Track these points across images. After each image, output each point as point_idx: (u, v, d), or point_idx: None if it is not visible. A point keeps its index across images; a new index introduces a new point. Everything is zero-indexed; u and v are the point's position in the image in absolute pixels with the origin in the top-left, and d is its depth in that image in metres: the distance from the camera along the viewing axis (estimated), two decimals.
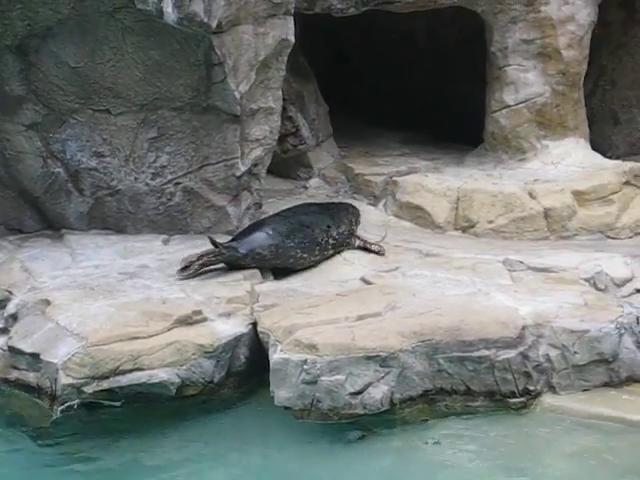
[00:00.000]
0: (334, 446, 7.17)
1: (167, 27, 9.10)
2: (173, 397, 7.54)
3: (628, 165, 10.86)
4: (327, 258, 9.35)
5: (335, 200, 10.92)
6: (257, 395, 7.75)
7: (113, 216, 10.00)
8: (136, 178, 9.84)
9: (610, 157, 11.60)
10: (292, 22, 9.71)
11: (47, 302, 8.18)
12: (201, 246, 9.40)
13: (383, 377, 7.33)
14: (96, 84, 9.53)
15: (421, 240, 10.04)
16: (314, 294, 8.52)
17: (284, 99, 10.40)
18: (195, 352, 7.63)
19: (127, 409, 7.46)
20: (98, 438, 7.32)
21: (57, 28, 9.36)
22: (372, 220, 10.57)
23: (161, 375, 7.47)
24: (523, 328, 7.66)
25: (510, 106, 11.41)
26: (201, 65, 9.35)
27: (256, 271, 8.90)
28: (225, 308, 8.12)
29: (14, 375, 7.79)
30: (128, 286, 8.55)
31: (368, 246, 9.61)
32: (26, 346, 7.75)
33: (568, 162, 11.18)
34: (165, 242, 9.75)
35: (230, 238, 9.22)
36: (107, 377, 7.38)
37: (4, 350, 7.95)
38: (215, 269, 8.87)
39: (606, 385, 7.77)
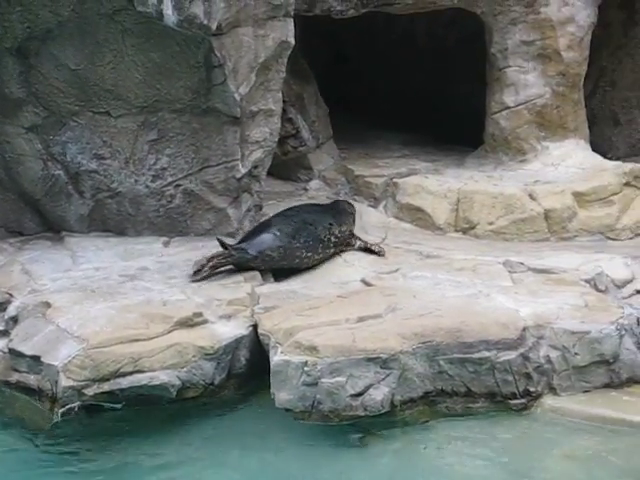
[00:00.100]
0: (335, 448, 7.17)
1: (167, 29, 9.11)
2: (174, 399, 7.53)
3: (628, 166, 10.85)
4: (329, 257, 9.37)
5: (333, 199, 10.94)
6: (258, 397, 7.74)
7: (113, 218, 10.00)
8: (136, 180, 9.84)
9: (610, 158, 11.60)
10: (292, 24, 9.71)
11: (48, 304, 8.18)
12: (201, 248, 9.42)
13: (384, 379, 7.33)
14: (96, 86, 9.53)
15: (421, 242, 10.04)
16: (314, 296, 8.51)
17: (284, 101, 10.39)
18: (196, 354, 7.62)
19: (128, 411, 7.45)
20: (99, 440, 7.31)
21: (57, 30, 9.36)
22: (372, 222, 10.57)
23: (162, 377, 7.47)
24: (524, 329, 7.66)
25: (510, 107, 11.42)
26: (201, 67, 9.36)
27: (256, 273, 8.91)
28: (225, 310, 8.12)
29: (15, 378, 7.77)
30: (128, 288, 8.55)
31: (369, 246, 9.62)
32: (27, 348, 7.74)
33: (568, 163, 11.18)
34: (165, 244, 9.75)
35: (238, 240, 9.23)
36: (108, 379, 7.38)
37: (5, 353, 7.94)
38: (223, 270, 8.87)
39: (607, 386, 7.76)
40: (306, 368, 7.24)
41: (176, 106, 9.57)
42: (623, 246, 10.03)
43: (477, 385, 7.52)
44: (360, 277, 8.95)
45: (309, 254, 9.13)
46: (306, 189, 11.61)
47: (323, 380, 7.22)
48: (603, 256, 9.32)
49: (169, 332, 7.74)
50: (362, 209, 10.69)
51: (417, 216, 10.71)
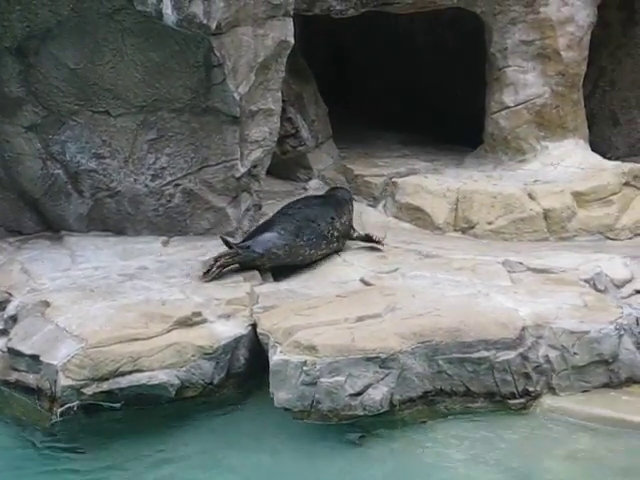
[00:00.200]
0: (334, 447, 7.16)
1: (166, 29, 9.10)
2: (173, 399, 7.53)
3: (628, 166, 10.86)
4: (332, 252, 9.40)
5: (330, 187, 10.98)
6: (257, 396, 7.74)
7: (112, 218, 10.00)
8: (135, 179, 9.84)
9: (610, 158, 11.60)
10: (291, 23, 9.71)
11: (47, 304, 8.18)
12: (200, 248, 9.43)
13: (383, 378, 7.33)
14: (95, 86, 9.53)
15: (421, 241, 10.04)
16: (314, 295, 8.51)
17: (283, 100, 10.40)
18: (195, 354, 7.62)
19: (126, 411, 7.45)
20: (97, 440, 7.31)
21: (56, 30, 9.36)
22: (372, 221, 10.58)
23: (161, 377, 7.47)
24: (523, 329, 7.66)
25: (510, 107, 11.42)
26: (200, 67, 9.36)
27: (255, 272, 8.91)
28: (225, 310, 8.12)
29: (14, 377, 7.77)
30: (128, 288, 8.54)
31: (370, 236, 9.67)
32: (26, 348, 7.74)
33: (568, 163, 11.19)
34: (164, 244, 9.75)
35: (242, 239, 9.23)
36: (107, 379, 7.38)
37: (4, 352, 7.93)
38: (231, 270, 8.87)
39: (606, 386, 7.76)
40: (305, 368, 7.24)
41: (175, 105, 9.57)
42: (622, 246, 10.04)
43: (476, 385, 7.52)
44: (359, 277, 8.95)
45: (312, 251, 9.17)
46: (305, 188, 11.60)
47: (322, 380, 7.22)
48: (602, 256, 9.31)
49: (168, 331, 7.74)
50: (361, 208, 10.69)
51: (416, 216, 10.71)
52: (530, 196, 10.45)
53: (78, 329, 7.69)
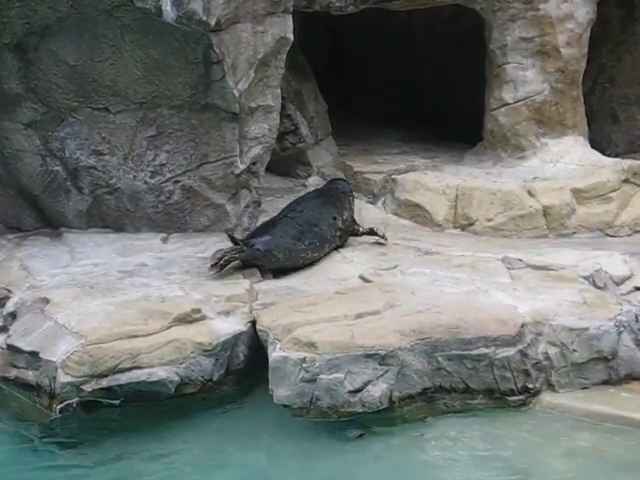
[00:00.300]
0: (333, 444, 7.16)
1: (166, 25, 9.10)
2: (172, 395, 7.53)
3: (627, 163, 10.86)
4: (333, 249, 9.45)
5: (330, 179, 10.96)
6: (256, 393, 7.74)
7: (112, 214, 10.00)
8: (135, 176, 9.84)
9: (609, 155, 11.60)
10: (291, 20, 9.70)
11: (46, 300, 8.17)
12: (200, 244, 9.44)
13: (382, 375, 7.33)
14: (95, 82, 9.53)
15: (420, 238, 10.04)
16: (313, 292, 8.51)
17: (283, 97, 10.39)
18: (194, 350, 7.62)
19: (126, 407, 7.45)
20: (97, 436, 7.31)
21: (56, 26, 9.36)
22: (371, 218, 10.57)
23: (160, 373, 7.47)
24: (522, 326, 7.66)
25: (509, 104, 11.41)
26: (200, 63, 9.35)
27: (255, 270, 8.90)
28: (224, 306, 8.11)
29: (13, 373, 7.77)
30: (127, 284, 8.54)
31: (375, 230, 9.71)
32: (25, 344, 7.74)
33: (567, 160, 11.18)
34: (164, 240, 9.75)
35: (246, 237, 9.20)
36: (106, 375, 7.37)
37: (3, 349, 7.92)
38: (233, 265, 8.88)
39: (605, 383, 7.76)
40: (304, 364, 7.24)
41: (175, 102, 9.57)
42: (622, 243, 10.03)
43: (475, 382, 7.52)
44: (359, 273, 8.94)
45: (315, 254, 9.18)
46: (305, 185, 11.61)
47: (321, 376, 7.22)
48: (602, 253, 9.31)
49: (168, 328, 7.73)
50: (361, 205, 10.68)
51: (416, 212, 10.71)
52: (529, 193, 10.45)
53: (77, 326, 7.69)
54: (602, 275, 8.73)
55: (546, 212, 10.34)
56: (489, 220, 10.40)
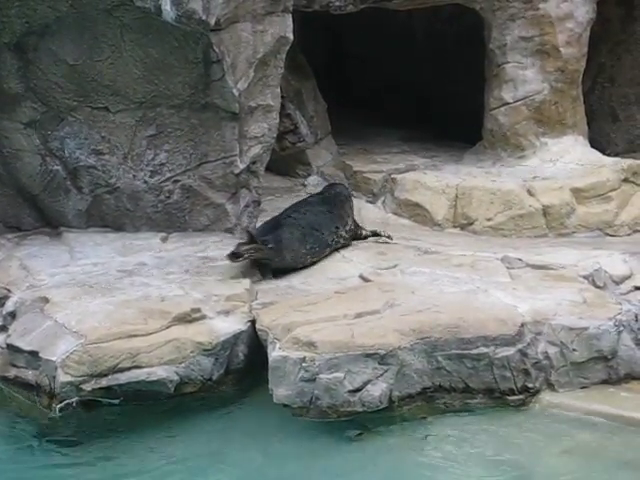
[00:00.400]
0: (333, 444, 7.16)
1: (165, 25, 9.10)
2: (172, 395, 7.53)
3: (627, 162, 10.86)
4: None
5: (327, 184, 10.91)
6: (256, 393, 7.73)
7: (111, 214, 10.00)
8: (134, 176, 9.83)
9: (609, 154, 11.60)
10: (290, 19, 9.70)
11: (46, 300, 8.17)
12: (199, 244, 9.45)
13: (382, 375, 7.33)
14: (94, 82, 9.52)
15: (420, 237, 10.04)
16: (313, 292, 8.51)
17: (283, 97, 10.39)
18: (194, 350, 7.62)
19: (125, 407, 7.45)
20: (96, 436, 7.31)
21: (55, 26, 9.36)
22: (371, 218, 10.57)
23: (160, 373, 7.47)
24: (522, 325, 7.66)
25: (509, 103, 11.41)
26: (199, 63, 9.35)
27: (255, 269, 8.90)
28: (224, 306, 8.11)
29: (12, 373, 7.77)
30: (126, 284, 8.54)
31: (378, 232, 9.73)
32: (24, 344, 7.73)
33: (567, 159, 11.18)
34: (163, 240, 9.74)
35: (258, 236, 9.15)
36: (106, 375, 7.37)
37: (3, 348, 7.92)
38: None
39: (605, 382, 7.76)
40: (304, 364, 7.23)
41: (174, 102, 9.56)
42: (621, 242, 10.04)
43: (475, 381, 7.52)
44: (358, 273, 8.94)
45: (315, 259, 9.19)
46: (304, 185, 11.61)
47: (321, 376, 7.22)
48: (601, 252, 9.31)
49: (167, 328, 7.73)
50: (360, 205, 10.68)
51: (415, 212, 10.72)
52: (529, 192, 10.45)
53: (77, 325, 7.68)
54: (602, 274, 8.73)
55: (546, 211, 10.34)
56: (489, 219, 10.40)
